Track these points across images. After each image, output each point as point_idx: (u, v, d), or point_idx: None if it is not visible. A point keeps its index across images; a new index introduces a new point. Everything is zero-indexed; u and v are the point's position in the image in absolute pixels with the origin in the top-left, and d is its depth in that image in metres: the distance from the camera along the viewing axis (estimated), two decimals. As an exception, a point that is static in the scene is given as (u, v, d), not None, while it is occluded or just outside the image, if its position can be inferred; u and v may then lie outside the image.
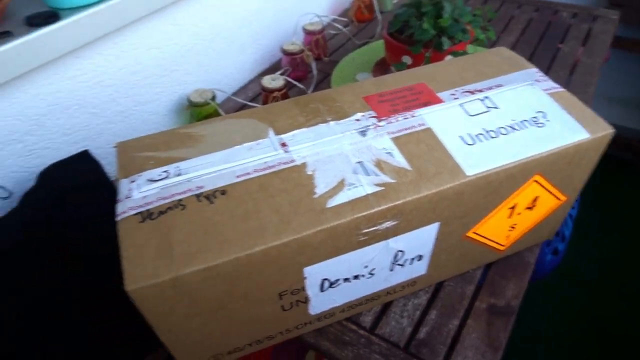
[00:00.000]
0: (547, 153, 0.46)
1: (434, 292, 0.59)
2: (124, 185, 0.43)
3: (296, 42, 0.93)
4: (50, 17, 0.55)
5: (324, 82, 0.97)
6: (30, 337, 0.50)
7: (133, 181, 0.43)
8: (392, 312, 0.57)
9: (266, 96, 0.84)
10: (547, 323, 1.33)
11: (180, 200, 0.41)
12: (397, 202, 0.42)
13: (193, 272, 0.37)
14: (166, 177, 0.43)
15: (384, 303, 0.58)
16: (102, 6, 0.61)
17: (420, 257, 0.51)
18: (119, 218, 0.40)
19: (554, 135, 0.47)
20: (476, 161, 0.45)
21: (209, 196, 0.41)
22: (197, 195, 0.41)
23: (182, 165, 0.44)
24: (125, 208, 0.40)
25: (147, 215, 0.40)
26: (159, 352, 0.59)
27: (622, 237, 1.53)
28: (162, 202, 0.41)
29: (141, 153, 0.46)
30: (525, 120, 0.49)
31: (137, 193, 0.41)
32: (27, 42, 0.54)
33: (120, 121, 0.76)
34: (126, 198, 0.41)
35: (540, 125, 0.48)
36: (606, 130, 0.48)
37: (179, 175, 0.43)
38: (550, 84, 0.53)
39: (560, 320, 1.33)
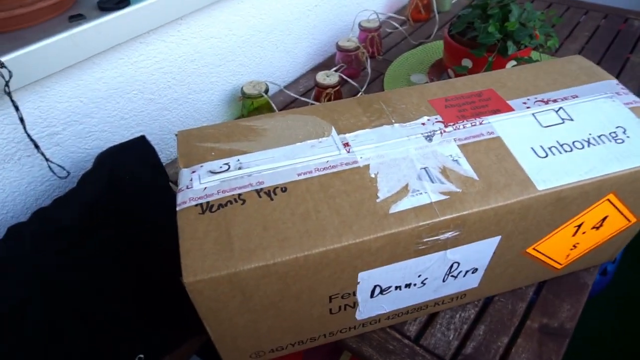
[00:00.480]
0: (625, 172, 0.43)
1: (482, 307, 0.57)
2: (184, 175, 0.42)
3: (352, 39, 0.92)
4: (121, 1, 0.56)
5: (376, 80, 0.95)
6: (70, 311, 0.51)
7: (194, 171, 0.43)
8: (438, 323, 0.55)
9: (319, 92, 0.83)
10: (594, 344, 1.27)
11: (240, 194, 0.40)
12: (462, 213, 0.40)
13: (251, 269, 0.36)
14: (227, 170, 0.42)
15: (430, 313, 0.56)
16: (170, -7, 0.61)
17: (475, 270, 0.49)
18: (179, 208, 0.40)
19: (634, 153, 0.44)
20: (548, 175, 0.42)
21: (270, 192, 0.40)
22: (258, 191, 0.40)
23: (243, 158, 0.43)
24: (185, 198, 0.40)
25: (207, 208, 0.39)
26: (177, 353, 0.59)
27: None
28: (223, 195, 0.40)
29: (202, 143, 0.46)
30: (602, 135, 0.46)
31: (198, 184, 0.41)
32: (98, 26, 0.55)
33: (175, 108, 0.77)
34: (187, 188, 0.41)
35: (619, 141, 0.45)
36: (692, 152, 0.45)
37: (239, 168, 0.42)
38: (632, 97, 0.49)
39: (608, 342, 1.27)
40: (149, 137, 0.74)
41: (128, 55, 0.64)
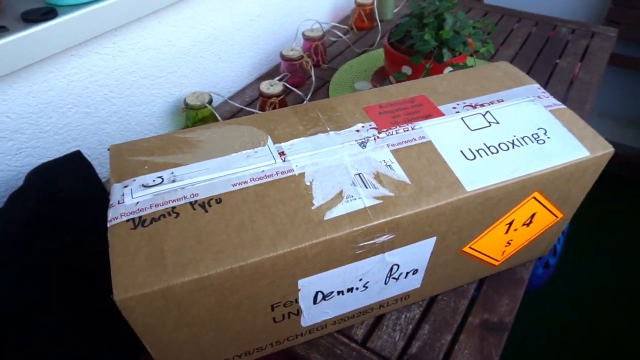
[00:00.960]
0: (546, 171, 0.46)
1: (426, 306, 0.59)
2: (116, 190, 0.41)
3: (296, 48, 0.93)
4: (47, 13, 0.54)
5: (322, 89, 0.96)
6: (14, 335, 0.49)
7: (126, 186, 0.42)
8: (385, 325, 0.56)
9: (264, 102, 0.83)
10: (536, 337, 1.33)
11: (174, 207, 0.40)
12: (395, 216, 0.41)
13: (185, 282, 0.36)
14: (160, 183, 0.41)
15: (376, 316, 0.57)
16: (101, 4, 0.60)
17: (415, 271, 0.51)
18: (110, 224, 0.39)
19: (554, 153, 0.47)
20: (476, 177, 0.44)
21: (204, 204, 0.40)
22: (192, 203, 0.40)
23: (178, 171, 0.43)
24: (117, 214, 0.39)
25: (139, 222, 0.38)
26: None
27: (612, 253, 1.53)
28: (156, 209, 0.39)
29: (136, 157, 0.45)
30: (525, 137, 0.48)
31: (130, 199, 0.40)
32: (22, 38, 0.52)
33: (115, 122, 0.75)
34: (118, 203, 0.40)
35: (540, 142, 0.48)
36: (606, 149, 0.48)
37: (173, 181, 0.42)
38: (552, 100, 0.52)
39: (549, 334, 1.33)
40: (87, 152, 0.72)
41: (59, 68, 0.62)
